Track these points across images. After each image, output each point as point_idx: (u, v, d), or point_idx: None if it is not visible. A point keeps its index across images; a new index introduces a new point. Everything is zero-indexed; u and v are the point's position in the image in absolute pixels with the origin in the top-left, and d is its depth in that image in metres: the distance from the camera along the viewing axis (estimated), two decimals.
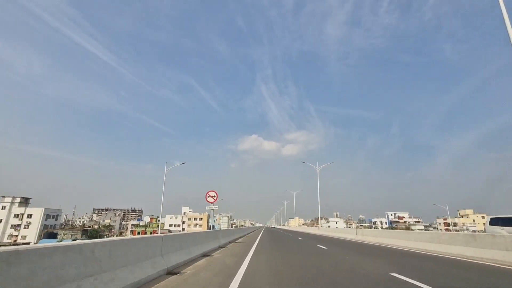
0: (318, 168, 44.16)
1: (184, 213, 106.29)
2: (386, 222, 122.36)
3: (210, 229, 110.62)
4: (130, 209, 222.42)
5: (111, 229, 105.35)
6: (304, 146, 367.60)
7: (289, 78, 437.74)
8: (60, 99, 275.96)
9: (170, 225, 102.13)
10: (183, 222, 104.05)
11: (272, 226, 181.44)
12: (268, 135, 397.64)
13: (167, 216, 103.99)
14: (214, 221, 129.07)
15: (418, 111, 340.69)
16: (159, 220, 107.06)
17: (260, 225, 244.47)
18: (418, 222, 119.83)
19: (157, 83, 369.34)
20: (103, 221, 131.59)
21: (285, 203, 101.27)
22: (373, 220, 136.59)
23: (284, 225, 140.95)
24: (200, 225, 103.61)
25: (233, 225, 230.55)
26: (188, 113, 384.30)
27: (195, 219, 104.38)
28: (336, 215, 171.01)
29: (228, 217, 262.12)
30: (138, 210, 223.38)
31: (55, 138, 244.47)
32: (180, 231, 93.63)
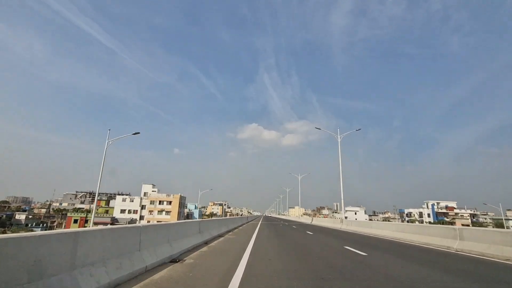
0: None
1: (145, 194, 73.11)
2: (429, 214, 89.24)
3: (185, 218, 77.18)
4: (117, 192, 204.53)
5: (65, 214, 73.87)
6: (305, 137, 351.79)
7: (292, 68, 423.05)
8: (61, 83, 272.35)
9: (123, 211, 69.14)
10: (143, 207, 70.94)
11: (269, 215, 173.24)
12: (269, 124, 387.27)
13: (118, 198, 70.79)
14: (196, 207, 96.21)
15: (421, 104, 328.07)
16: (111, 205, 73.83)
17: (258, 213, 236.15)
18: (475, 214, 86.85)
19: (158, 70, 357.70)
20: (61, 204, 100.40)
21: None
22: (406, 211, 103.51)
23: (283, 214, 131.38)
24: (168, 212, 70.39)
25: (228, 214, 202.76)
26: (189, 101, 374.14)
27: (160, 203, 71.10)
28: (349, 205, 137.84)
29: (222, 204, 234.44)
30: (127, 195, 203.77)
31: (55, 123, 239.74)
32: (132, 221, 60.81)
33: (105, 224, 55.03)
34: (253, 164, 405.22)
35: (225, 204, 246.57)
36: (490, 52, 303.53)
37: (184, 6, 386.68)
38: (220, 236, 13.61)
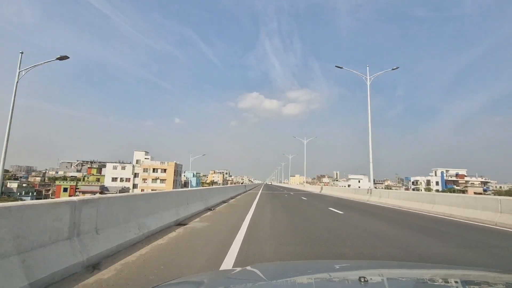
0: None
1: (138, 162, 68.46)
2: (437, 182, 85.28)
3: (182, 186, 73.27)
4: (118, 161, 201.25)
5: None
6: (306, 106, 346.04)
7: (294, 33, 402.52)
8: (53, 50, 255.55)
9: (114, 179, 64.96)
10: (135, 175, 66.65)
11: (269, 183, 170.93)
12: (270, 93, 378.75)
13: (109, 166, 66.23)
14: (194, 175, 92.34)
15: (427, 72, 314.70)
16: (102, 172, 69.58)
17: (259, 182, 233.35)
18: (486, 182, 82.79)
19: (155, 35, 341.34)
20: (57, 172, 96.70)
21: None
22: (412, 179, 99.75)
23: (284, 182, 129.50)
24: (163, 181, 66.20)
25: (229, 182, 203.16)
26: (188, 68, 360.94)
27: (154, 170, 66.63)
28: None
29: (223, 173, 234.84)
30: (118, 162, 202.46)
31: (49, 91, 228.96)
32: (124, 190, 56.71)
33: (94, 193, 50.83)
34: (254, 134, 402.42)
35: (226, 173, 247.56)
36: (504, 14, 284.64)
37: None
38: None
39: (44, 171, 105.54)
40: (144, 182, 66.28)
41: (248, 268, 1.44)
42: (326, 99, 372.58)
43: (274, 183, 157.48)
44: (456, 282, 1.25)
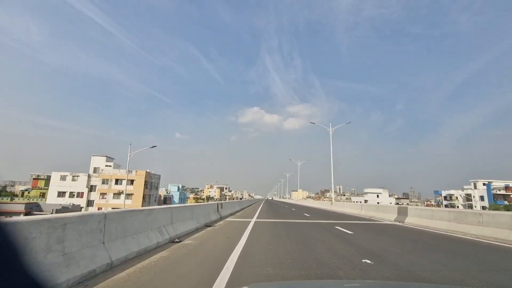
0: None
1: (96, 171, 51.88)
2: (482, 197, 67.93)
3: (159, 203, 56.95)
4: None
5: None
6: (307, 120, 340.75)
7: (295, 50, 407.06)
8: (59, 67, 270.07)
9: (61, 194, 48.31)
10: (91, 188, 49.97)
11: (270, 198, 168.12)
12: (270, 107, 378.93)
13: (55, 176, 49.71)
14: (180, 189, 75.64)
15: (425, 87, 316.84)
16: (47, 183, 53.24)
17: (260, 197, 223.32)
18: None
19: (158, 52, 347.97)
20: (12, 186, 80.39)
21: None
22: (444, 193, 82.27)
23: (285, 197, 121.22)
24: (130, 196, 49.42)
25: (227, 197, 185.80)
26: (190, 84, 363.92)
27: (117, 182, 50.00)
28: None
29: (221, 188, 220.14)
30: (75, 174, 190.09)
31: (54, 107, 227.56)
32: (63, 210, 40.58)
33: (12, 214, 34.38)
34: (254, 148, 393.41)
35: (226, 188, 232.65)
36: (499, 31, 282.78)
37: None
38: None
39: (3, 185, 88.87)
40: (103, 197, 49.58)
41: None
42: (327, 113, 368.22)
43: (276, 199, 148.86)
44: None
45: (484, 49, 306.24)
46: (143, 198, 51.68)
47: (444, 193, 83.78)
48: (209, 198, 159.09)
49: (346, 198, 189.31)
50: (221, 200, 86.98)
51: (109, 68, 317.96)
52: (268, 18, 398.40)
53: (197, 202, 37.13)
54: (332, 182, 28.20)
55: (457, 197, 78.64)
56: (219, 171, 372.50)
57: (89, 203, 49.54)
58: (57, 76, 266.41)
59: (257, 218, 13.37)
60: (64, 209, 42.31)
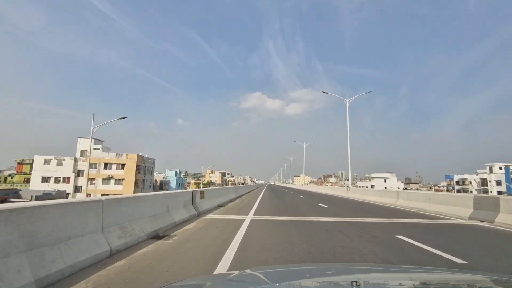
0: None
1: (83, 154, 47.74)
2: (499, 182, 63.65)
3: (154, 189, 53.26)
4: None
5: None
6: (309, 105, 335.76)
7: (298, 34, 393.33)
8: (59, 53, 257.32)
9: (46, 179, 44.51)
10: (78, 173, 46.05)
11: (272, 183, 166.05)
12: (273, 93, 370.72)
13: (38, 160, 45.69)
14: (178, 174, 72.02)
15: (430, 72, 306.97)
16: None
17: (262, 182, 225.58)
18: None
19: (159, 38, 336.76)
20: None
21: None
22: (456, 177, 78.05)
23: (287, 182, 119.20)
24: (120, 181, 45.55)
25: (229, 183, 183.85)
26: (191, 70, 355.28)
27: (106, 166, 45.96)
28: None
29: (223, 173, 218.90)
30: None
31: (56, 94, 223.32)
32: (50, 196, 37.06)
33: None
34: (257, 133, 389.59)
35: (228, 173, 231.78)
36: (508, 14, 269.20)
37: None
38: None
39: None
40: (92, 183, 45.69)
41: (248, 271, 1.44)
42: (330, 98, 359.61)
43: (278, 184, 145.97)
44: (452, 286, 1.26)
45: (493, 32, 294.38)
46: (136, 183, 47.78)
47: (456, 178, 79.52)
48: (210, 183, 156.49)
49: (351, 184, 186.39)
50: (223, 186, 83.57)
51: (109, 53, 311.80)
52: (271, 1, 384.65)
53: (198, 188, 33.45)
54: (349, 161, 23.79)
55: (470, 182, 74.42)
56: (222, 156, 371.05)
57: (77, 189, 45.77)
58: (58, 63, 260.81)
59: (254, 213, 9.19)
60: (46, 195, 38.51)
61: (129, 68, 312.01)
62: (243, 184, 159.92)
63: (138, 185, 48.78)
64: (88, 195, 44.79)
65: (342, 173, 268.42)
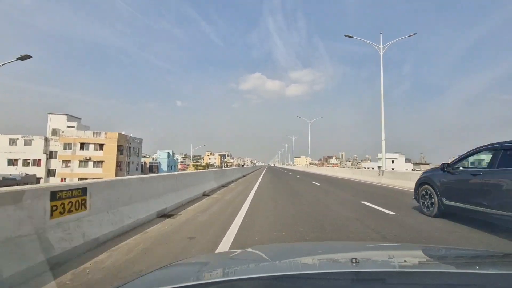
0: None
1: (55, 133, 41.71)
2: None
3: (142, 172, 48.00)
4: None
5: None
6: (309, 87, 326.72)
7: (299, 9, 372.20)
8: (52, 31, 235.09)
9: (13, 162, 38.82)
10: (50, 155, 40.24)
11: (272, 165, 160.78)
12: (272, 73, 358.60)
13: (2, 139, 39.68)
14: (171, 156, 66.47)
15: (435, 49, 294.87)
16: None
17: (262, 164, 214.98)
18: None
19: (155, 14, 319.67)
20: None
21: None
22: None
23: (288, 164, 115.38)
24: (99, 163, 39.87)
25: (228, 165, 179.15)
26: (189, 49, 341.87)
27: (82, 147, 40.08)
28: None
29: (223, 155, 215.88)
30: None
31: (50, 74, 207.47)
32: (13, 181, 31.33)
33: None
34: (256, 115, 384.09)
35: (228, 155, 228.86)
36: None
37: None
38: None
39: None
40: (67, 166, 39.97)
41: (249, 249, 1.47)
42: (330, 79, 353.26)
43: (278, 165, 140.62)
44: (449, 262, 1.24)
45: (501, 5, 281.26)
46: (118, 165, 42.13)
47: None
48: (208, 165, 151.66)
49: (352, 165, 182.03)
50: (222, 167, 78.41)
51: (105, 32, 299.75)
52: None
53: (197, 170, 28.52)
54: (383, 135, 18.01)
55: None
56: (222, 138, 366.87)
57: (50, 172, 40.17)
58: (52, 41, 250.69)
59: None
60: (8, 180, 32.92)
61: (125, 48, 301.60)
62: (242, 165, 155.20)
63: (122, 167, 43.18)
64: (62, 179, 39.25)
65: (342, 154, 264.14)
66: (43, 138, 40.28)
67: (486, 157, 4.73)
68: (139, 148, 51.01)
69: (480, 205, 4.19)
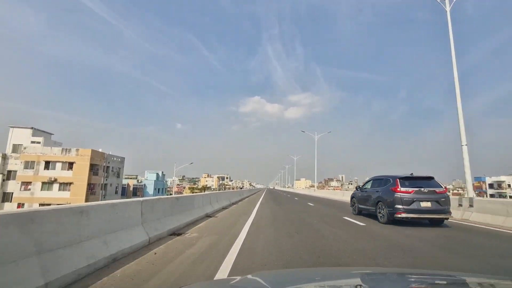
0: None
1: (16, 149, 35.50)
2: None
3: (124, 196, 41.56)
4: None
5: None
6: (308, 109, 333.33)
7: (296, 38, 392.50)
8: (58, 58, 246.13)
9: None
10: (7, 176, 33.75)
11: (272, 187, 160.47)
12: (271, 97, 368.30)
13: None
14: (160, 178, 60.15)
15: (429, 74, 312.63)
16: None
17: (262, 186, 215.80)
18: None
19: (157, 42, 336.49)
20: None
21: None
22: (491, 180, 66.45)
23: (287, 186, 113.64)
24: (66, 186, 33.20)
25: (227, 187, 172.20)
26: (190, 74, 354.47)
27: (48, 166, 33.68)
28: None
29: (222, 177, 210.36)
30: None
31: (53, 98, 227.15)
32: None
33: None
34: (256, 138, 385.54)
35: (227, 177, 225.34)
36: (506, 17, 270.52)
37: None
38: None
39: None
40: (26, 188, 33.38)
41: (249, 276, 1.42)
42: (328, 102, 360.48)
43: (278, 188, 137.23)
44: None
45: (490, 35, 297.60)
46: (91, 188, 35.56)
47: (489, 180, 67.48)
48: (205, 188, 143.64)
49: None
50: (219, 190, 71.71)
51: (108, 58, 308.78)
52: (269, 5, 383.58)
53: (193, 193, 24.53)
54: (462, 119, 11.20)
55: (509, 185, 62.46)
56: (221, 161, 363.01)
57: (5, 196, 33.50)
58: (56, 67, 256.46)
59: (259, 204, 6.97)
60: None
61: (127, 72, 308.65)
62: (241, 188, 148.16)
63: (95, 190, 36.55)
64: (19, 205, 32.56)
65: (342, 177, 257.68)
66: (0, 155, 34.05)
67: (370, 183, 9.31)
68: (120, 168, 44.62)
69: (367, 205, 8.85)
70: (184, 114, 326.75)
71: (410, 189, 7.26)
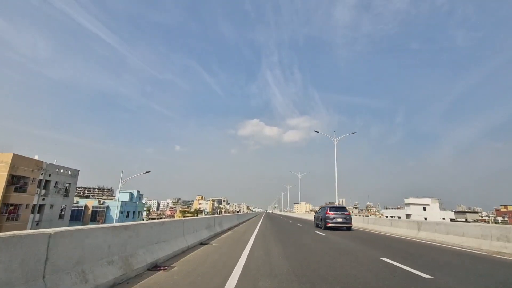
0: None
1: None
2: None
3: (81, 221, 30.53)
4: (97, 187, 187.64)
5: None
6: (306, 133, 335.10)
7: (295, 64, 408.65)
8: (64, 81, 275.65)
9: None
10: None
11: (270, 211, 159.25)
12: (270, 120, 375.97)
13: None
14: (136, 197, 49.51)
15: (424, 100, 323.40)
16: None
17: (260, 210, 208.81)
18: None
19: (160, 67, 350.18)
20: None
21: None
22: None
23: (286, 211, 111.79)
24: None
25: (223, 211, 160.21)
26: (191, 98, 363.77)
27: None
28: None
29: (218, 200, 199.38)
30: (107, 189, 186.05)
31: (58, 120, 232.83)
32: None
33: None
34: (254, 161, 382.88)
35: (224, 200, 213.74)
36: (495, 46, 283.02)
37: (185, 2, 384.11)
38: None
39: None
40: None
41: None
42: (327, 126, 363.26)
43: (276, 212, 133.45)
44: None
45: (480, 63, 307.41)
46: (9, 211, 24.64)
47: None
48: (198, 211, 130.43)
49: (359, 212, 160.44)
50: (214, 215, 60.00)
51: (112, 82, 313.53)
52: (269, 34, 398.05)
53: (184, 217, 16.37)
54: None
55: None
56: (219, 184, 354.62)
57: None
58: (62, 90, 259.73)
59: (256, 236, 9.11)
60: None
61: (129, 95, 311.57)
62: (237, 212, 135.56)
63: (18, 213, 25.59)
64: None
65: (343, 201, 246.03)
66: None
67: (320, 210, 19.44)
68: (69, 184, 33.83)
69: (318, 221, 18.07)
70: (183, 137, 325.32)
71: (333, 213, 15.98)
